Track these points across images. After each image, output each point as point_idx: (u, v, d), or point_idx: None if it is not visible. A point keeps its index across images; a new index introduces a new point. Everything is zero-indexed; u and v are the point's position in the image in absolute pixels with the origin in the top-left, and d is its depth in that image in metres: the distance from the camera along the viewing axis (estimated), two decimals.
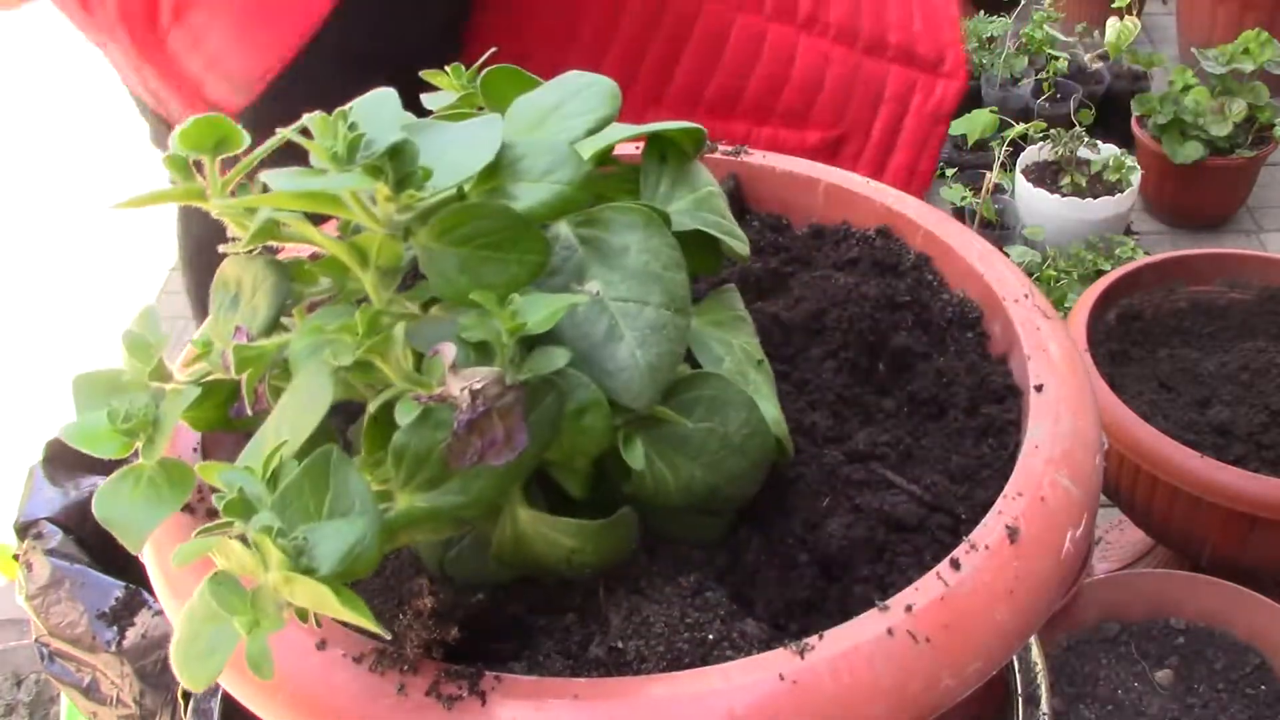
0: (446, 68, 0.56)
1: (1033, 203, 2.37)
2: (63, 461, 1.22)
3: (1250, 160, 2.48)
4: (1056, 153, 2.43)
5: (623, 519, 0.48)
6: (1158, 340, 1.47)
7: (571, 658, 0.46)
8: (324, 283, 0.49)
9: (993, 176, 2.24)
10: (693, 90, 1.02)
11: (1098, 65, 2.81)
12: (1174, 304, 1.50)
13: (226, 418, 0.50)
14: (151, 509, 0.44)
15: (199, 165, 0.45)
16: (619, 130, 0.52)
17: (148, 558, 0.51)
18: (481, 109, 0.54)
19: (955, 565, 0.45)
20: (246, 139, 0.44)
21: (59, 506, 1.18)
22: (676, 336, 0.47)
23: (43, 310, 2.57)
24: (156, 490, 0.44)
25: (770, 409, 0.51)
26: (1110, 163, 2.36)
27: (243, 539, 0.38)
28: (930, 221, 0.67)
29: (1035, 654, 0.74)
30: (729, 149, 0.72)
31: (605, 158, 0.53)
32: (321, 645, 0.44)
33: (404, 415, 0.41)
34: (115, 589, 1.13)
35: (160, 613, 1.10)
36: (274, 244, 0.47)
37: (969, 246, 0.65)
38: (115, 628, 1.12)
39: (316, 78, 0.86)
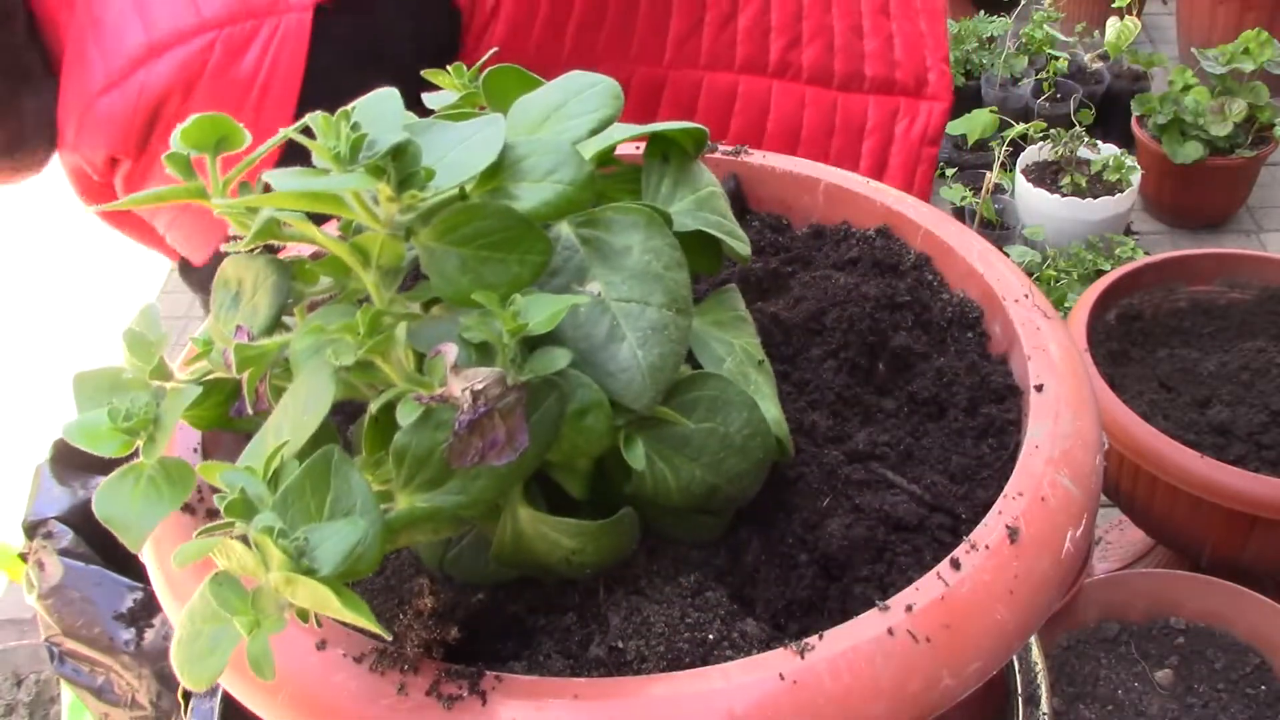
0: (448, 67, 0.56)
1: (1033, 203, 2.38)
2: (70, 461, 1.22)
3: (1250, 160, 2.48)
4: (1056, 153, 2.43)
5: (623, 519, 0.48)
6: (1158, 340, 1.47)
7: (571, 658, 0.46)
8: (325, 282, 0.49)
9: (993, 176, 2.24)
10: None
11: (1098, 65, 2.81)
12: (1174, 304, 1.51)
13: (227, 417, 0.50)
14: (151, 508, 0.44)
15: (200, 163, 0.45)
16: (621, 130, 0.52)
17: (148, 558, 0.51)
18: (483, 108, 0.54)
19: (955, 565, 0.46)
20: (248, 137, 0.44)
21: (67, 506, 1.18)
22: (678, 337, 0.47)
23: (47, 310, 2.57)
24: (156, 489, 0.44)
25: (771, 409, 0.51)
26: (1110, 163, 2.36)
27: (244, 539, 0.38)
28: (930, 221, 0.67)
29: (1035, 654, 0.74)
30: (729, 149, 0.72)
31: (607, 158, 0.53)
32: (322, 645, 0.44)
33: (405, 415, 0.41)
34: (133, 590, 1.13)
35: None
36: (275, 243, 0.47)
37: (969, 246, 0.65)
38: (133, 629, 1.12)
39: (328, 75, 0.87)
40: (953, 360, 0.60)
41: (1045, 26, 2.78)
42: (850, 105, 1.06)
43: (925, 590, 0.45)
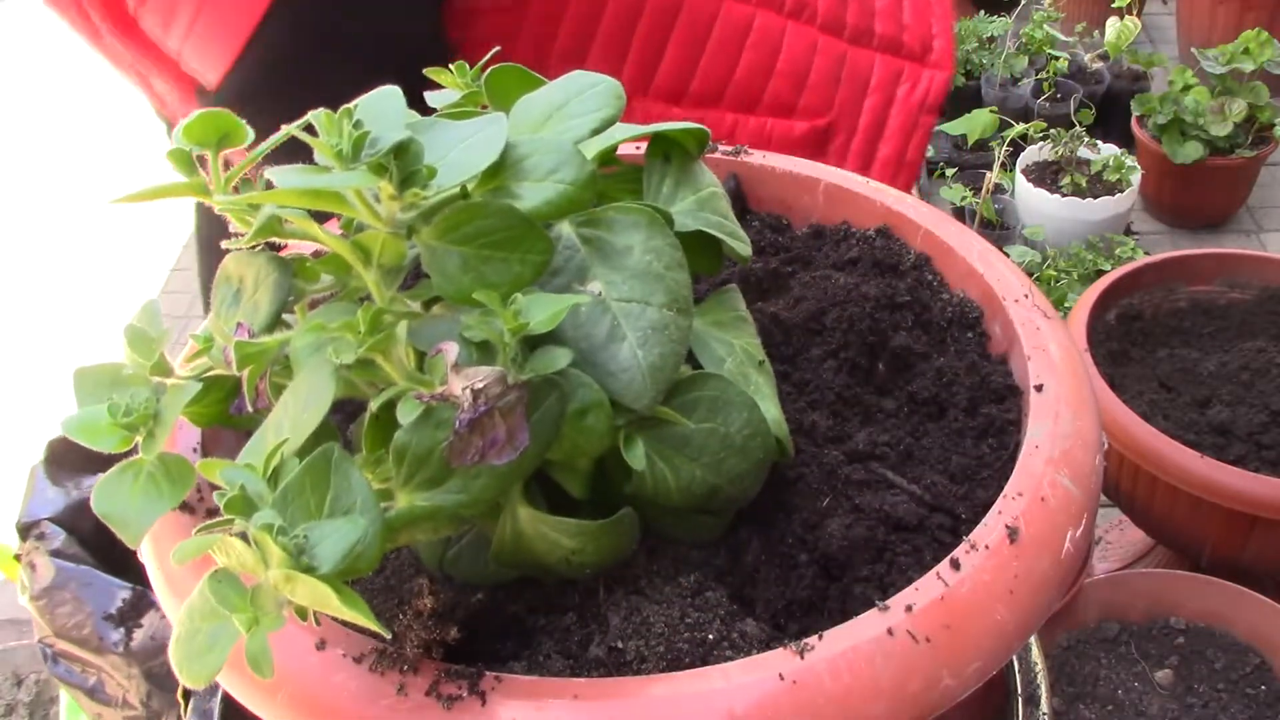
0: (450, 66, 0.56)
1: (1033, 203, 2.38)
2: (64, 461, 1.22)
3: (1250, 160, 2.48)
4: (1056, 153, 2.43)
5: (623, 519, 0.47)
6: (1158, 340, 1.47)
7: (571, 658, 0.46)
8: (326, 280, 0.49)
9: (993, 176, 2.24)
10: (679, 80, 1.02)
11: (1098, 65, 2.81)
12: (1174, 304, 1.51)
13: (227, 414, 0.50)
14: (150, 504, 0.44)
15: (202, 160, 0.45)
16: (623, 130, 0.52)
17: (146, 555, 0.51)
18: (485, 107, 0.54)
19: (955, 565, 0.46)
20: (250, 134, 0.44)
21: (61, 507, 1.18)
22: (678, 337, 0.47)
23: (44, 309, 2.57)
24: (156, 485, 0.44)
25: (771, 409, 0.51)
26: (1110, 163, 2.36)
27: (243, 536, 0.38)
28: (930, 221, 0.67)
29: (1035, 654, 0.74)
30: (729, 149, 0.72)
31: (609, 157, 0.53)
32: (321, 645, 0.44)
33: (405, 414, 0.41)
34: (122, 590, 1.13)
35: None
36: (276, 240, 0.47)
37: (969, 246, 0.65)
38: (122, 629, 1.12)
39: (299, 60, 0.86)
40: (953, 360, 0.60)
41: (1045, 26, 2.78)
42: (858, 60, 1.07)
43: (925, 590, 0.45)
